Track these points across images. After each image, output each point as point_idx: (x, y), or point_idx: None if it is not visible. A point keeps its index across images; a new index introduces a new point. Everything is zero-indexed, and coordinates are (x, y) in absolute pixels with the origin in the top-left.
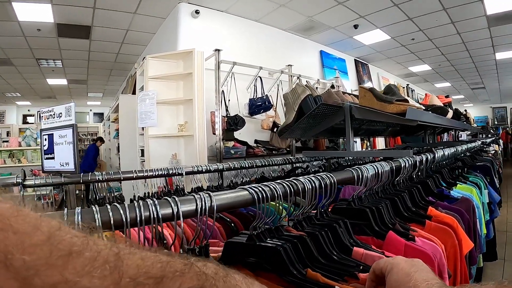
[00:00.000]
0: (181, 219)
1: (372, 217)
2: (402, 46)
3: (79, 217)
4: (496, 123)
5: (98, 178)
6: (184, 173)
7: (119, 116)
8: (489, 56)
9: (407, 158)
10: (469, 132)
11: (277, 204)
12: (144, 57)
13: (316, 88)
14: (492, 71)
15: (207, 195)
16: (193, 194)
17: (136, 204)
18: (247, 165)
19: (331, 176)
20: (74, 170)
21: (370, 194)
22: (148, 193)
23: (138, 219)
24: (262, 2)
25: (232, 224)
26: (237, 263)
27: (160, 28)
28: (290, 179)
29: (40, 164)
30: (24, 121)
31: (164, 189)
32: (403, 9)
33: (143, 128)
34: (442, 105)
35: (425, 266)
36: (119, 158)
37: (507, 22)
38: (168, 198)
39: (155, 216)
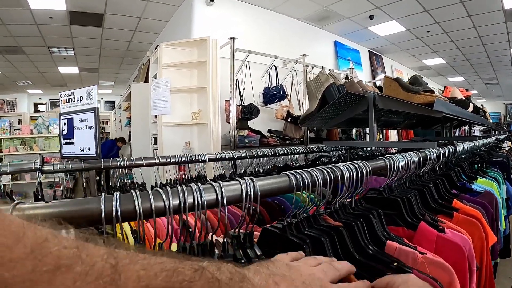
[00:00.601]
0: (225, 205)
1: (404, 207)
2: (417, 39)
3: (118, 203)
4: (509, 119)
5: (120, 164)
6: (207, 159)
7: (131, 104)
8: (505, 51)
9: (432, 150)
10: (481, 128)
11: (303, 194)
12: (157, 45)
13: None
14: (507, 66)
15: (251, 180)
16: (238, 179)
17: (179, 189)
18: (270, 153)
19: (367, 164)
20: (95, 155)
21: (399, 185)
22: (171, 179)
23: (182, 205)
24: None
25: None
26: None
27: (174, 16)
28: (330, 165)
29: (52, 151)
30: (36, 110)
31: (183, 176)
32: (419, 0)
33: (156, 116)
34: (464, 98)
35: None
36: (130, 146)
37: None
38: (213, 183)
39: (199, 202)
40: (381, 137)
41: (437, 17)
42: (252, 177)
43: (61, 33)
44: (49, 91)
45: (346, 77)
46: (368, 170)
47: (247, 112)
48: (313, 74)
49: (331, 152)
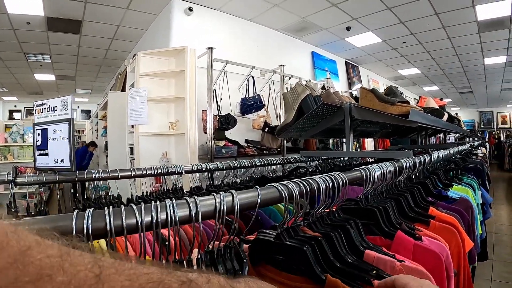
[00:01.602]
0: (200, 221)
1: (380, 217)
2: (393, 49)
3: (89, 220)
4: (483, 126)
5: (95, 176)
6: (183, 171)
7: (108, 113)
8: (478, 61)
9: (408, 159)
10: (456, 136)
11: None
12: (135, 54)
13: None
14: (480, 76)
15: (229, 194)
16: (213, 193)
17: (153, 205)
18: (246, 164)
19: (343, 176)
20: (70, 167)
21: (376, 194)
22: (146, 192)
23: (155, 221)
24: (255, 2)
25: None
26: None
27: (152, 25)
28: (305, 178)
29: (27, 161)
30: (10, 117)
31: (159, 188)
32: (395, 12)
33: (133, 125)
34: (438, 107)
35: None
36: (106, 156)
37: (497, 28)
38: (187, 198)
39: (172, 218)
40: (358, 146)
41: (412, 28)
42: (232, 191)
43: (38, 39)
44: (24, 98)
45: (323, 87)
46: (344, 181)
47: (224, 122)
48: (290, 84)
49: (308, 163)
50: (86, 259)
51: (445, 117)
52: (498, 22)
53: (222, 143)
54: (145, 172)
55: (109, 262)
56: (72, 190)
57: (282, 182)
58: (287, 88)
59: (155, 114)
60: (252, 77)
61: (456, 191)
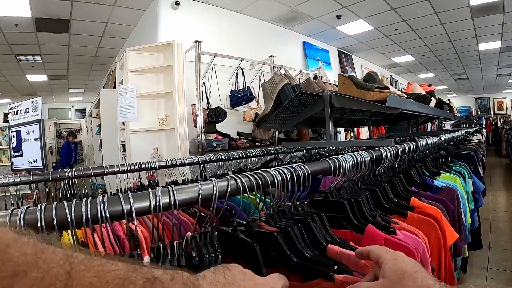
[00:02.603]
0: (134, 216)
1: (351, 210)
2: (386, 37)
3: (23, 216)
4: (479, 113)
5: (68, 175)
6: (157, 167)
7: (101, 111)
8: (472, 46)
9: (389, 147)
10: (452, 122)
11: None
12: (124, 51)
13: (299, 79)
14: (475, 61)
15: (166, 190)
16: (149, 189)
17: (84, 202)
18: (223, 157)
19: (304, 167)
20: (42, 167)
21: (350, 185)
22: (121, 188)
23: (84, 217)
24: None
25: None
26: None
27: (140, 21)
28: (258, 171)
29: None
30: (5, 120)
31: (138, 184)
32: None
33: (123, 122)
34: (425, 93)
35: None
36: (102, 154)
37: (490, 13)
38: (120, 195)
39: (104, 214)
40: (352, 135)
41: (404, 15)
42: (169, 187)
43: (27, 41)
44: (18, 100)
45: (315, 77)
46: (305, 173)
47: (214, 115)
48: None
49: (293, 154)
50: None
51: (433, 103)
52: (491, 7)
53: (212, 136)
54: (118, 169)
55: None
56: (47, 190)
57: (233, 176)
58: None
59: (145, 110)
60: (241, 69)
61: (444, 179)
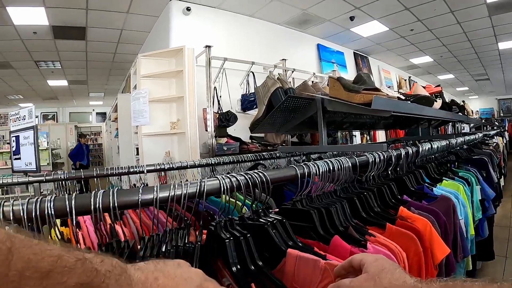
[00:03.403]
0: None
1: (319, 220)
2: (402, 38)
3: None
4: (502, 115)
5: (60, 177)
6: (145, 171)
7: (118, 115)
8: (492, 46)
9: (378, 153)
10: (472, 125)
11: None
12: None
13: (312, 81)
14: (495, 61)
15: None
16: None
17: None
18: (213, 162)
19: (263, 174)
20: (36, 169)
21: (326, 193)
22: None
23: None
24: None
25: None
26: None
27: (154, 27)
28: (209, 178)
29: (41, 164)
30: None
31: (134, 186)
32: None
33: (137, 126)
34: (428, 94)
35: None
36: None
37: (508, 10)
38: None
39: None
40: (368, 138)
41: (419, 14)
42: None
43: (46, 47)
44: (40, 104)
45: None
46: (264, 180)
47: (224, 119)
48: (293, 78)
49: (291, 159)
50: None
51: (437, 104)
52: (509, 3)
53: (223, 140)
54: (112, 171)
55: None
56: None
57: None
58: (289, 82)
59: (158, 114)
60: (253, 73)
61: (445, 187)
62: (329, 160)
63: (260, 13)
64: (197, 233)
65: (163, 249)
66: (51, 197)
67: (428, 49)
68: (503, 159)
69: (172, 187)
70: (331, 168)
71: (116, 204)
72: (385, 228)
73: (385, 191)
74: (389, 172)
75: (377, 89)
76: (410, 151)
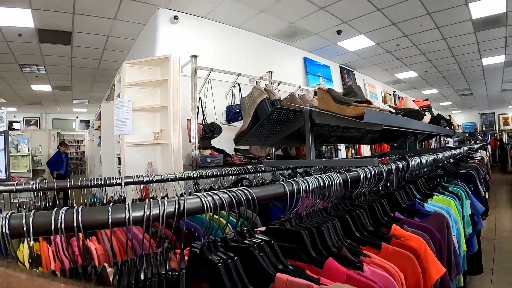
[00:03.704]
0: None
1: (311, 240)
2: (388, 53)
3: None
4: (485, 129)
5: (33, 187)
6: (123, 183)
7: (102, 123)
8: (476, 61)
9: (369, 168)
10: (456, 139)
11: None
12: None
13: (298, 94)
14: (479, 77)
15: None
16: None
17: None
18: (196, 175)
19: (248, 192)
20: (5, 177)
21: (316, 212)
22: (94, 203)
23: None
24: (241, 8)
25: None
26: None
27: (141, 35)
28: (189, 196)
29: (21, 171)
30: (10, 128)
31: (111, 199)
32: (386, 14)
33: (119, 135)
34: (418, 108)
35: None
36: (101, 166)
37: (493, 27)
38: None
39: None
40: (353, 152)
41: (405, 30)
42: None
43: (31, 51)
44: (24, 108)
45: (315, 93)
46: (250, 198)
47: (209, 130)
48: (279, 90)
49: (276, 173)
50: None
51: (427, 118)
52: (494, 20)
53: (207, 152)
54: (82, 183)
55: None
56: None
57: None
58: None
59: (140, 123)
60: (238, 84)
61: (436, 202)
62: (319, 176)
63: (248, 25)
64: (178, 256)
65: (142, 277)
66: (7, 214)
67: (413, 64)
68: (487, 173)
69: (147, 205)
70: (322, 185)
71: (81, 224)
72: (379, 247)
73: (376, 208)
74: (380, 188)
75: (368, 102)
76: (401, 165)
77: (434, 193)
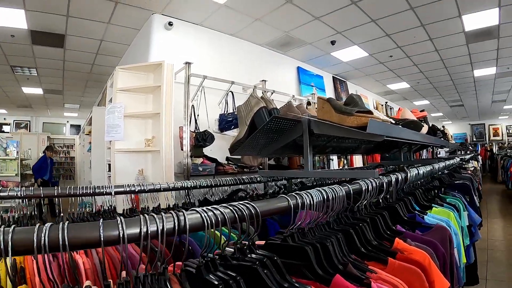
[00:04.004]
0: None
1: (315, 256)
2: (380, 63)
3: None
4: (475, 139)
5: (16, 194)
6: (113, 192)
7: (92, 129)
8: (468, 73)
9: (371, 180)
10: (447, 149)
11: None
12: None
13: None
14: (470, 88)
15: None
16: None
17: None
18: (189, 185)
19: (252, 207)
20: None
21: (319, 226)
22: (82, 213)
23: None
24: (236, 16)
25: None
26: None
27: (134, 40)
28: (188, 211)
29: (9, 175)
30: (0, 130)
31: (101, 208)
32: (380, 25)
33: (110, 141)
34: (416, 119)
35: None
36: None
37: (485, 39)
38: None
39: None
40: (345, 163)
41: (398, 41)
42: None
43: (23, 52)
44: (14, 111)
45: (308, 103)
46: (253, 213)
47: (201, 139)
48: (272, 100)
49: (271, 183)
50: None
51: (425, 129)
52: (486, 32)
53: (199, 160)
54: (75, 191)
55: None
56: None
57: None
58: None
59: (132, 130)
60: (232, 92)
61: (436, 214)
62: (322, 189)
63: (242, 33)
64: (180, 277)
65: None
66: None
67: (406, 75)
68: (479, 183)
69: (143, 222)
70: (325, 198)
71: (67, 243)
72: (385, 262)
73: (378, 221)
74: (380, 200)
75: (370, 112)
76: (400, 177)
77: (432, 204)
